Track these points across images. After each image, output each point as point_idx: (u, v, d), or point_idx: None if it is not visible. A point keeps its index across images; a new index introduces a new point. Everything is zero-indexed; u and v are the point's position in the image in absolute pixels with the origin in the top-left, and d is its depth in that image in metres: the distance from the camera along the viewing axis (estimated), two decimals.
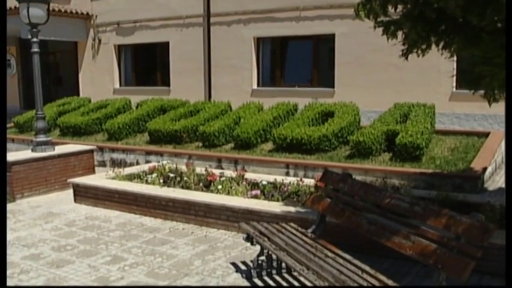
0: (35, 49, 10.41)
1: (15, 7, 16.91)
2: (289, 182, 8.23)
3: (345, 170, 9.28)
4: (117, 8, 18.99)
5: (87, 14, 19.63)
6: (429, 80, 13.58)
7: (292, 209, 6.95)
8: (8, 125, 17.63)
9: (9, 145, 15.68)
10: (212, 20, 16.95)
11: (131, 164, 12.60)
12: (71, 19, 19.34)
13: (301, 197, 7.58)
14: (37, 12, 10.21)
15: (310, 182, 8.21)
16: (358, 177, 9.00)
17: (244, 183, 8.39)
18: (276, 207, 7.09)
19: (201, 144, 12.78)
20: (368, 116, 13.70)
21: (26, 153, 10.50)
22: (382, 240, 4.79)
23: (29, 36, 10.55)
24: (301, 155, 11.21)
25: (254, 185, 8.35)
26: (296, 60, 16.39)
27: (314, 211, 6.14)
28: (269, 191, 7.95)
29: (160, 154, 12.47)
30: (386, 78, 14.19)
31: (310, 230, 5.78)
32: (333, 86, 15.10)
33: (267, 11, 15.93)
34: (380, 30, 6.01)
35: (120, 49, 19.58)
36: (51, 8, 11.08)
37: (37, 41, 10.43)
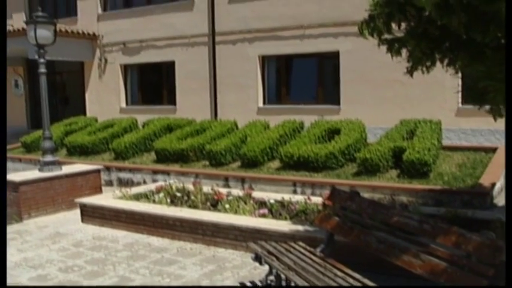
0: (42, 70, 10.48)
1: (22, 28, 17.13)
2: (297, 201, 8.20)
3: (353, 187, 9.30)
4: (123, 28, 19.11)
5: (94, 34, 19.76)
6: (434, 95, 13.57)
7: (300, 227, 6.92)
8: (16, 145, 17.72)
9: (16, 165, 15.74)
10: (217, 38, 17.03)
11: (138, 184, 12.60)
12: (78, 39, 19.47)
13: (309, 215, 7.55)
14: (44, 34, 10.30)
15: (318, 200, 8.17)
16: (366, 195, 8.96)
17: (251, 202, 8.37)
18: (284, 226, 7.06)
19: (207, 163, 12.78)
20: (374, 132, 13.67)
21: (34, 173, 10.53)
22: (391, 259, 4.76)
23: (36, 57, 10.62)
24: (308, 173, 11.20)
25: (262, 203, 8.33)
26: (301, 77, 16.41)
27: (322, 230, 6.10)
28: (277, 210, 7.93)
29: (167, 173, 12.47)
30: (391, 95, 14.19)
31: (319, 249, 5.74)
32: (338, 103, 15.10)
33: (272, 29, 15.99)
34: (384, 47, 6.02)
35: (126, 69, 19.68)
36: (58, 29, 11.16)
37: (44, 61, 10.51)
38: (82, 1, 20.40)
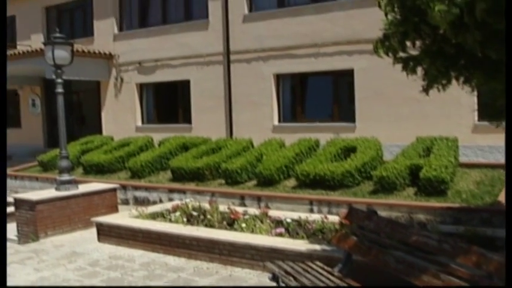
0: (59, 89, 10.60)
1: (40, 49, 17.35)
2: (314, 219, 8.17)
3: (369, 205, 9.26)
4: (138, 48, 19.27)
5: (110, 54, 19.93)
6: (450, 112, 13.50)
7: (317, 247, 6.88)
8: (33, 164, 17.87)
9: (33, 183, 15.87)
10: (232, 57, 17.10)
11: (154, 202, 12.62)
12: (94, 59, 19.65)
13: (326, 234, 7.51)
14: (62, 54, 10.43)
15: (334, 218, 8.12)
16: (383, 213, 8.90)
17: (268, 220, 8.35)
18: (301, 245, 7.03)
19: (223, 181, 12.80)
20: (390, 150, 13.61)
21: (50, 192, 10.58)
22: (410, 279, 4.71)
23: (54, 77, 10.73)
24: (324, 191, 11.17)
25: (278, 222, 8.31)
26: (316, 95, 16.40)
27: (340, 249, 6.07)
28: (293, 229, 7.90)
29: (183, 192, 12.49)
30: (407, 112, 14.13)
31: (336, 269, 5.70)
32: (354, 121, 15.06)
33: (286, 47, 16.03)
34: (399, 65, 6.02)
35: (142, 88, 19.80)
36: (74, 49, 11.27)
37: (61, 81, 10.63)
38: (98, 21, 20.63)
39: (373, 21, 13.72)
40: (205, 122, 17.57)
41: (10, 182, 16.81)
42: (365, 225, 5.72)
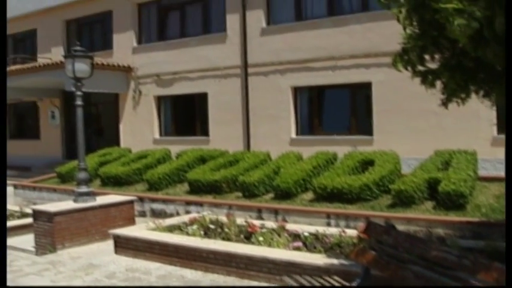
0: (79, 102, 10.67)
1: (60, 62, 17.53)
2: (331, 233, 8.13)
3: (387, 219, 9.19)
4: (157, 61, 19.40)
5: (129, 66, 20.10)
6: (469, 125, 13.39)
7: (335, 261, 6.84)
8: (51, 175, 17.99)
9: (51, 195, 15.96)
10: (249, 70, 17.15)
11: (171, 215, 12.64)
12: (113, 72, 19.82)
13: (344, 248, 7.47)
14: (82, 67, 10.52)
15: (352, 232, 8.08)
16: (401, 227, 8.83)
17: (285, 234, 8.32)
18: (318, 259, 6.99)
19: (240, 194, 12.79)
20: (408, 163, 13.52)
21: (68, 204, 10.62)
22: None
23: (73, 89, 10.81)
24: (342, 205, 11.11)
25: (295, 236, 8.28)
26: (334, 108, 16.39)
27: (358, 264, 6.02)
28: (311, 243, 7.86)
29: (200, 204, 12.50)
30: (425, 125, 14.05)
31: (354, 284, 5.66)
32: (371, 134, 15.01)
33: (303, 61, 16.05)
34: (417, 78, 5.99)
35: (160, 100, 19.91)
36: (94, 62, 11.36)
37: (81, 94, 10.71)
38: (118, 34, 20.83)
39: (391, 34, 13.72)
40: (223, 135, 17.60)
41: (28, 193, 16.96)
42: (383, 240, 5.67)
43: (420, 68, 5.84)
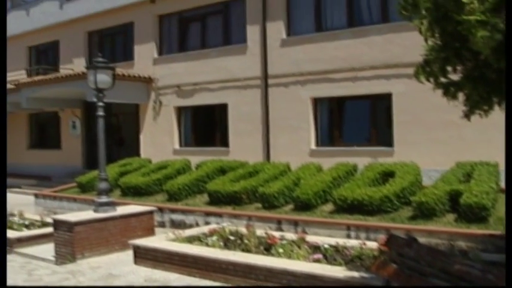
0: (101, 113, 10.74)
1: (82, 72, 17.71)
2: (352, 245, 8.07)
3: (408, 232, 9.12)
4: (177, 72, 19.51)
5: (149, 77, 20.23)
6: (491, 137, 13.22)
7: (355, 274, 6.78)
8: (71, 185, 18.14)
9: (71, 204, 16.11)
10: (270, 81, 17.16)
11: (190, 225, 12.65)
12: (134, 83, 19.95)
13: (364, 261, 7.40)
14: (103, 78, 10.61)
15: (373, 245, 8.01)
16: (422, 240, 8.75)
17: (305, 246, 8.27)
18: (338, 272, 6.94)
19: (260, 205, 12.76)
20: (429, 175, 13.40)
21: (88, 214, 10.68)
22: None
23: (94, 100, 10.89)
24: (362, 217, 11.04)
25: (315, 248, 8.23)
26: (354, 119, 16.33)
27: (379, 277, 5.97)
28: (331, 255, 7.81)
29: (220, 215, 12.50)
30: (446, 136, 13.93)
31: None
32: (391, 145, 14.91)
33: (324, 72, 16.03)
34: (439, 89, 5.95)
35: (180, 111, 19.99)
36: (115, 73, 11.43)
37: (103, 105, 10.77)
38: (139, 46, 21.00)
39: (411, 45, 13.71)
40: (243, 146, 17.61)
41: (49, 203, 17.12)
42: (405, 253, 5.62)
43: (442, 79, 5.80)
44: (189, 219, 13.17)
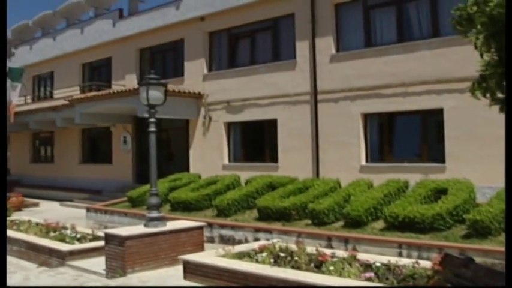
0: (152, 128, 10.85)
1: (134, 88, 18.04)
2: (404, 264, 7.90)
3: (462, 251, 8.92)
4: (227, 88, 19.67)
5: (199, 93, 20.43)
6: None
7: None
8: (122, 199, 18.42)
9: (122, 219, 16.34)
10: (319, 97, 17.12)
11: (240, 241, 12.66)
12: (184, 98, 20.19)
13: (417, 280, 7.24)
14: (156, 95, 10.75)
15: (426, 264, 7.83)
16: (477, 259, 8.50)
17: (356, 264, 8.15)
18: None
19: (310, 222, 12.70)
20: (482, 191, 13.07)
21: (139, 228, 10.74)
22: None
23: (145, 115, 11.03)
24: (414, 234, 10.86)
25: (367, 266, 8.09)
26: (404, 135, 16.12)
27: None
28: (383, 274, 7.66)
29: (269, 231, 12.47)
30: (500, 152, 13.52)
31: None
32: (443, 161, 14.62)
33: (374, 87, 15.90)
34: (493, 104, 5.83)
35: (229, 126, 20.11)
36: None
37: (154, 121, 10.89)
38: (189, 62, 21.29)
39: (462, 60, 13.45)
40: (292, 161, 17.57)
41: (100, 217, 17.42)
42: (461, 273, 5.48)
43: (499, 95, 5.67)
44: (238, 234, 13.19)
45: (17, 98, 26.57)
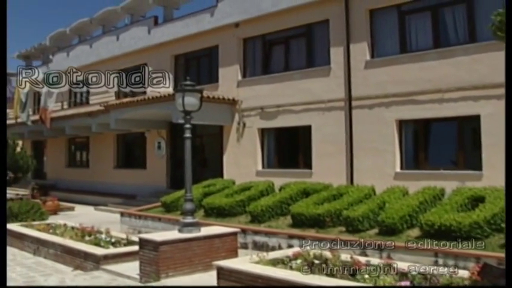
0: (188, 134, 10.94)
1: (169, 94, 18.21)
2: (441, 273, 7.79)
3: (501, 260, 8.73)
4: (261, 94, 19.70)
5: (233, 99, 20.52)
6: None
7: None
8: (156, 204, 18.56)
9: (155, 224, 16.46)
10: (353, 103, 17.03)
11: (273, 248, 12.64)
12: (219, 104, 20.31)
13: None
14: (191, 101, 10.82)
15: (463, 273, 7.70)
16: None
17: (392, 272, 8.06)
18: None
19: (344, 229, 12.62)
20: None
21: (173, 234, 10.82)
22: None
23: (181, 121, 11.12)
24: (450, 243, 10.67)
25: (402, 274, 8.00)
26: (440, 142, 15.92)
27: None
28: (419, 282, 7.57)
29: (303, 238, 12.42)
30: None
31: None
32: (480, 169, 14.39)
33: (409, 93, 15.75)
34: None
35: (263, 132, 20.13)
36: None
37: (190, 127, 10.97)
38: (223, 68, 21.41)
39: (499, 64, 13.20)
40: (326, 168, 17.50)
41: (134, 221, 17.57)
42: (501, 284, 5.38)
43: None
44: (272, 241, 13.17)
45: (53, 104, 27.10)
